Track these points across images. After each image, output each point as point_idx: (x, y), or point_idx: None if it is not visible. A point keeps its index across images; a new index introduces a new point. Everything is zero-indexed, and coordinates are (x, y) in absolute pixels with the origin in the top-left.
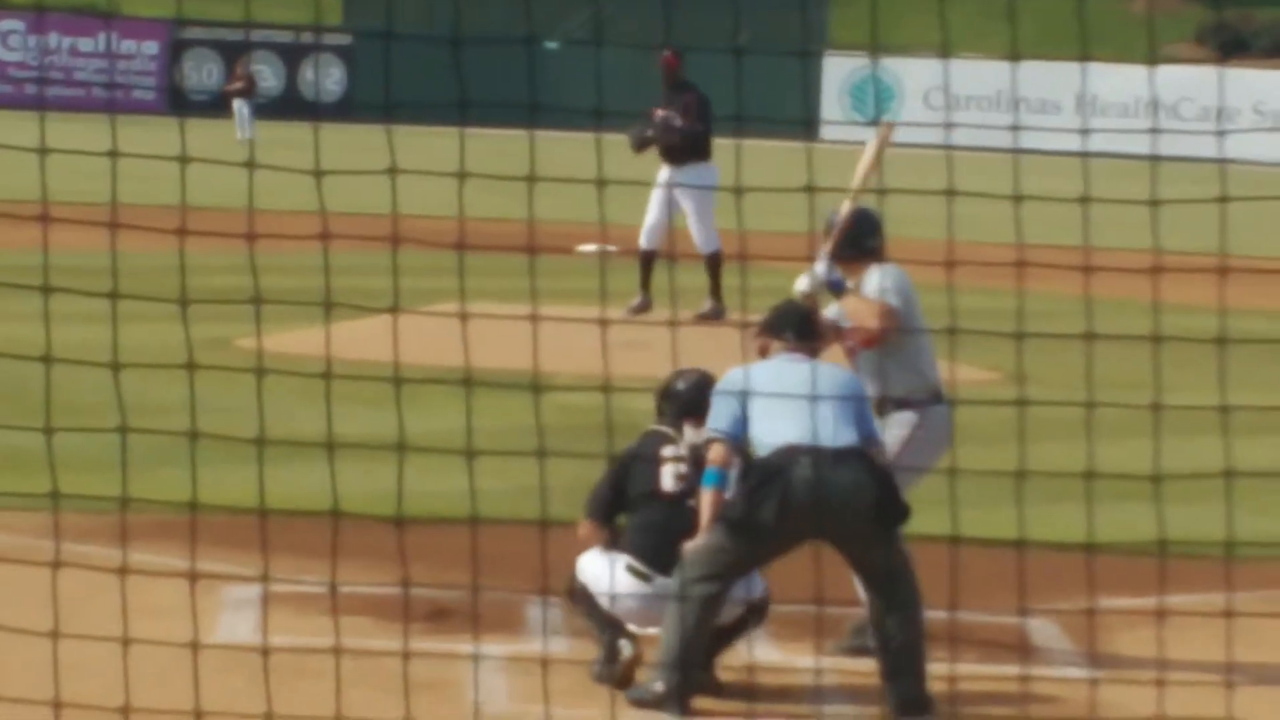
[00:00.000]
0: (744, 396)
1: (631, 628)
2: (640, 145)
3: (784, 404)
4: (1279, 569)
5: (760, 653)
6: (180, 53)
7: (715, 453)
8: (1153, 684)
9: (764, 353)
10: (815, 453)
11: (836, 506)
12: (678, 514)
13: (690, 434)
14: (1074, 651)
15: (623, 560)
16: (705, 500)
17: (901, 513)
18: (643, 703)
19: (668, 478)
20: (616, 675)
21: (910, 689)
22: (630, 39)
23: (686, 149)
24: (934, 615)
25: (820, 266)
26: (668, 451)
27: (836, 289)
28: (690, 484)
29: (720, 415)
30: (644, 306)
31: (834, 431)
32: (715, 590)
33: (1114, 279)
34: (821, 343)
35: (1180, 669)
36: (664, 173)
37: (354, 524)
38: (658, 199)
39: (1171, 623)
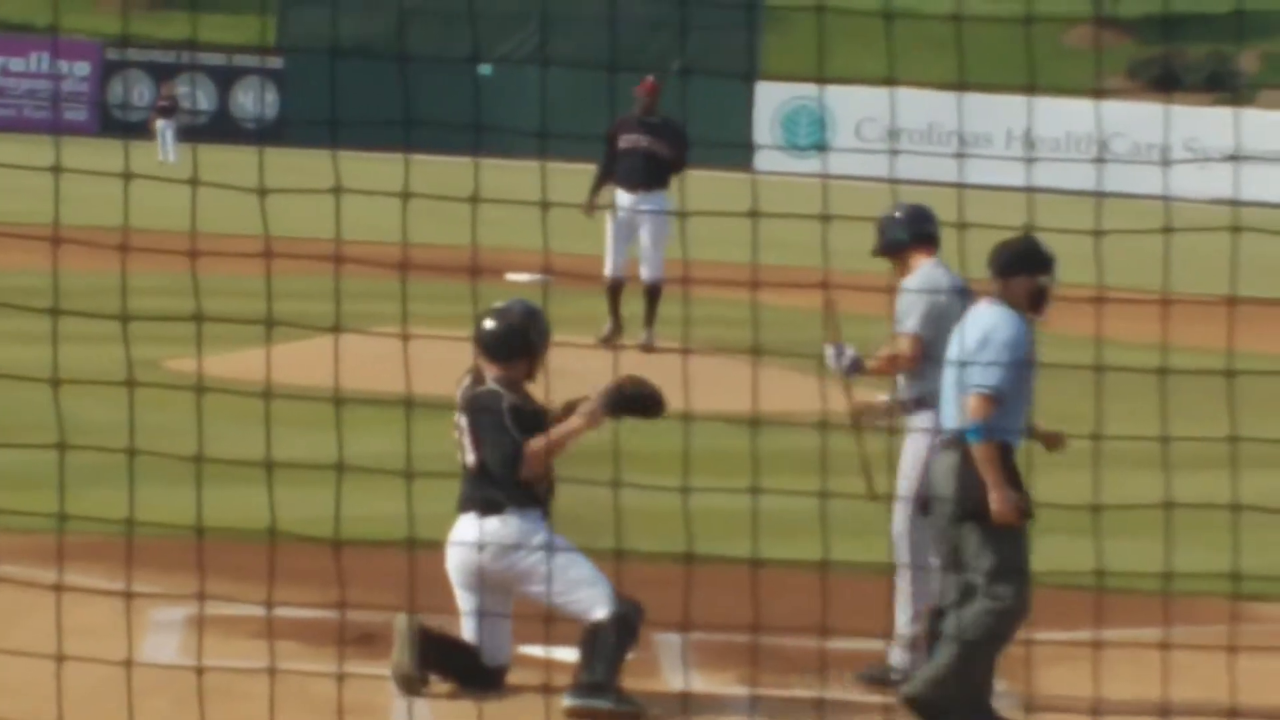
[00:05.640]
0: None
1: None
2: None
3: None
4: (1214, 604)
5: (685, 682)
6: (112, 74)
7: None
8: (1087, 717)
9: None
10: None
11: None
12: (465, 474)
13: (467, 384)
14: (1006, 688)
15: None
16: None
17: None
18: None
19: (461, 451)
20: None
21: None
22: (565, 63)
23: (654, 177)
24: (871, 645)
25: (830, 357)
26: (460, 421)
27: (856, 369)
28: (463, 453)
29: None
30: (615, 332)
31: None
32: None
33: (1053, 314)
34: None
35: (1113, 705)
36: (625, 199)
37: (281, 546)
38: (621, 227)
39: (1105, 657)
